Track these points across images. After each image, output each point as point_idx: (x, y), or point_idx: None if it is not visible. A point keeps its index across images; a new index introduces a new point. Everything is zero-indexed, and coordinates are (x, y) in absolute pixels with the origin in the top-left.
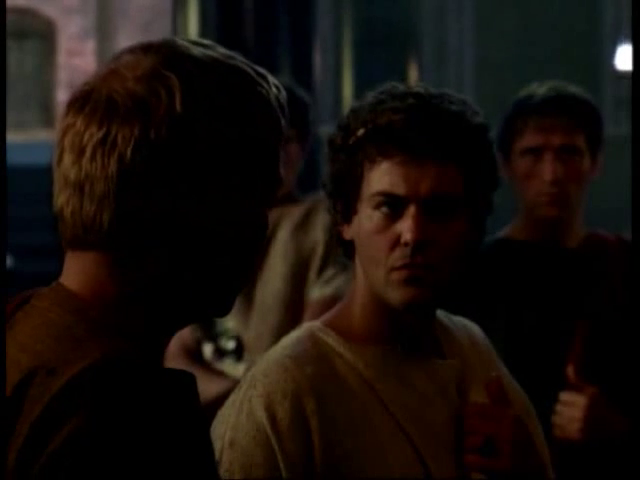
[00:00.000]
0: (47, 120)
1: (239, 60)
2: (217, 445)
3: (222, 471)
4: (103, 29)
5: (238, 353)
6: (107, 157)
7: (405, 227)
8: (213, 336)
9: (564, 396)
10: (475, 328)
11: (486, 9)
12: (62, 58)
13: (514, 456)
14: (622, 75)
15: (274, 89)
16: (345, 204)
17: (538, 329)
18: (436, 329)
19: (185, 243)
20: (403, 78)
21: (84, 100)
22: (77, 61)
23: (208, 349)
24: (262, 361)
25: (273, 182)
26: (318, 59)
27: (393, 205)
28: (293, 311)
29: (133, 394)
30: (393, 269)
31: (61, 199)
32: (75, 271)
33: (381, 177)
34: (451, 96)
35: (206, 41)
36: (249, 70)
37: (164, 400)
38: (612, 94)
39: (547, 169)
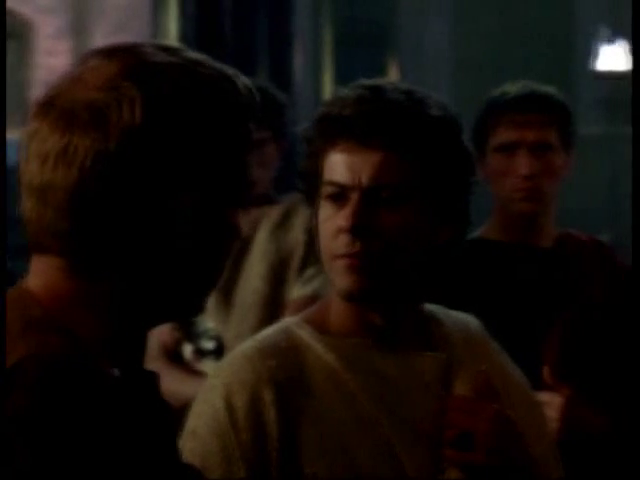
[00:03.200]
0: (23, 120)
1: (206, 64)
2: (184, 434)
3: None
4: (79, 28)
5: (218, 353)
6: (67, 167)
7: (344, 214)
8: (193, 336)
9: (540, 396)
10: (473, 322)
11: (465, 10)
12: (38, 58)
13: (492, 451)
14: (599, 75)
15: (244, 92)
16: (310, 199)
17: (514, 329)
18: (429, 322)
19: (145, 250)
20: (383, 78)
21: (49, 106)
22: (53, 61)
23: (188, 350)
24: (232, 352)
25: (241, 185)
26: (297, 59)
27: (340, 194)
28: (273, 311)
29: (56, 392)
30: (336, 257)
31: (26, 204)
32: (36, 273)
33: (330, 167)
34: (414, 91)
35: (174, 45)
36: (214, 74)
37: (88, 398)
38: (589, 94)
39: (522, 164)
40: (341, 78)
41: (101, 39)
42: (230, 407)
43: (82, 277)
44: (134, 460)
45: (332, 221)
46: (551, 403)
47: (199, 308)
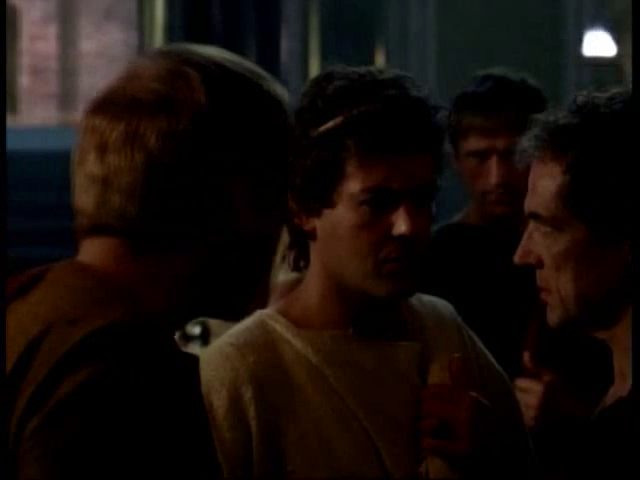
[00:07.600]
0: (10, 105)
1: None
2: None
3: None
4: (65, 13)
5: (204, 338)
6: (133, 150)
7: (400, 220)
8: None
9: (520, 382)
10: (445, 308)
11: None
12: (25, 43)
13: (472, 439)
14: (587, 61)
15: (278, 90)
16: (317, 197)
17: (493, 314)
18: (402, 310)
19: (208, 230)
20: (370, 63)
21: (105, 102)
22: (40, 46)
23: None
24: (208, 349)
25: (287, 174)
26: (285, 44)
27: (384, 199)
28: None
29: (151, 356)
30: (385, 262)
31: (84, 196)
32: (94, 253)
33: (369, 172)
34: (411, 79)
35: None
36: (258, 71)
37: (174, 369)
38: (576, 79)
39: (492, 172)
40: (328, 63)
41: (87, 24)
42: (209, 406)
43: (145, 257)
44: (199, 432)
45: (374, 227)
46: (529, 390)
47: (249, 301)
